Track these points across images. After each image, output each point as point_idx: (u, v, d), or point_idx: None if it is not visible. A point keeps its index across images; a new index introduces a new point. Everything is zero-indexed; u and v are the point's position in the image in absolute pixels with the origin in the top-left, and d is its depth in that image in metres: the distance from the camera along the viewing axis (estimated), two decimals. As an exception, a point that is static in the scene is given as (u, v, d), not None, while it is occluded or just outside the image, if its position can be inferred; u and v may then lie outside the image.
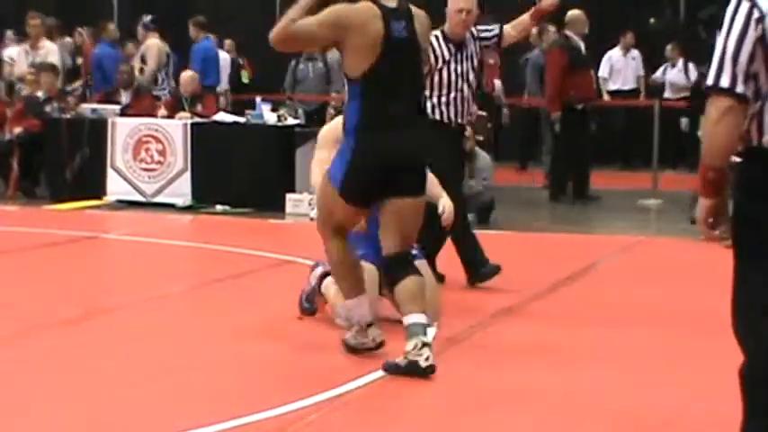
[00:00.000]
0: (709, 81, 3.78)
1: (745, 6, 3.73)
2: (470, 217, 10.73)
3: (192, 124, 12.35)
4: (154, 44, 14.83)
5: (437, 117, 7.66)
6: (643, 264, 9.22)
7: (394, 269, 5.73)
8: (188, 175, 12.22)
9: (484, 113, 13.43)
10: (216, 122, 12.47)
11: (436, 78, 7.68)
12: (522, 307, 7.24)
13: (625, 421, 4.90)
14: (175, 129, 12.35)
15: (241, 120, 12.50)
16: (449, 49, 7.76)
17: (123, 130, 12.54)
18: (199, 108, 12.92)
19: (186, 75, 13.29)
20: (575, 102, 12.53)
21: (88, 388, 5.35)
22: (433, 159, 6.06)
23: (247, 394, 5.27)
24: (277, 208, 11.55)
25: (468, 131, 11.16)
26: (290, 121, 12.28)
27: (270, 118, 12.22)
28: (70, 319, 6.76)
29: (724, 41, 3.75)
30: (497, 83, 14.04)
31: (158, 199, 12.29)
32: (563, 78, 12.48)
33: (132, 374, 5.60)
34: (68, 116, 12.93)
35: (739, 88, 3.74)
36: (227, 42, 17.58)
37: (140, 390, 5.33)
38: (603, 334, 6.59)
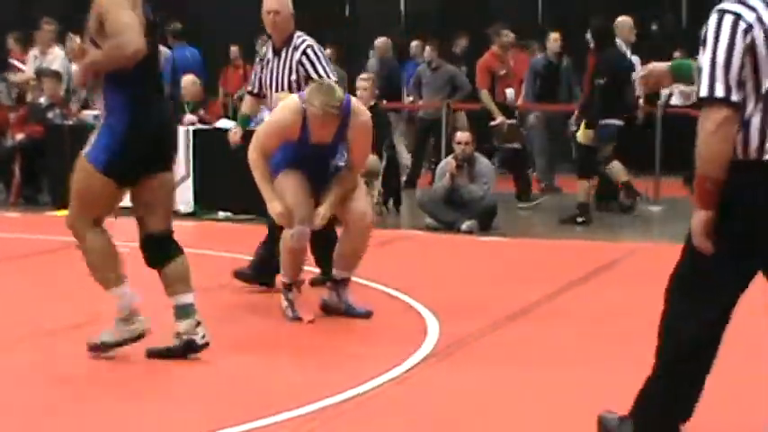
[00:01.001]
0: (703, 92, 3.87)
1: (729, 18, 3.85)
2: (471, 223, 10.77)
3: (194, 131, 12.34)
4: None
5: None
6: (644, 269, 9.21)
7: (165, 248, 5.97)
8: (190, 181, 12.21)
9: (514, 121, 13.44)
10: (218, 129, 12.46)
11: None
12: (526, 312, 7.23)
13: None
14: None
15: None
16: (271, 52, 7.82)
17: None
18: (201, 113, 12.91)
19: (187, 79, 13.27)
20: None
21: (92, 394, 5.34)
22: None
23: (252, 400, 5.26)
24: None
25: (465, 137, 11.17)
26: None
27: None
28: (74, 325, 6.76)
29: (713, 53, 3.85)
30: (509, 92, 14.03)
31: (160, 205, 12.26)
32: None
33: (135, 381, 5.60)
34: (71, 122, 12.94)
35: (734, 97, 3.84)
36: (233, 50, 17.56)
37: (138, 397, 5.33)
38: (607, 338, 6.58)
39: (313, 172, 6.89)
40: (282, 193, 6.82)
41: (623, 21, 12.80)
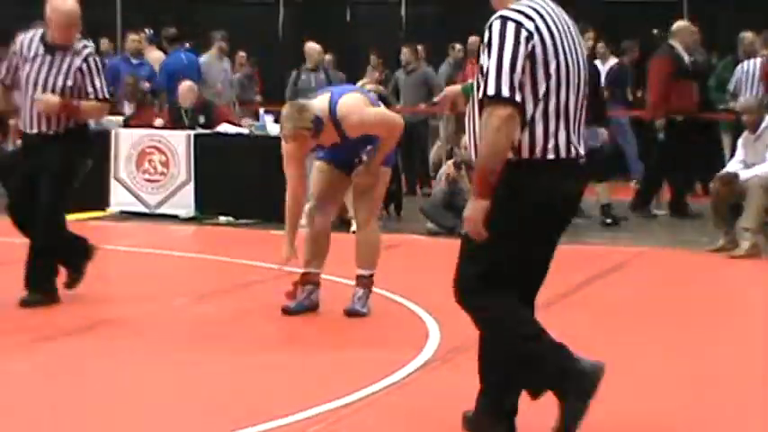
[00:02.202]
0: (490, 91, 4.23)
1: (512, 25, 4.24)
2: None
3: (196, 135, 12.36)
4: (156, 57, 14.86)
5: None
6: (650, 273, 9.22)
7: None
8: (191, 186, 12.23)
9: None
10: (219, 133, 12.47)
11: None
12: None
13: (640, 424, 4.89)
14: (178, 140, 12.37)
15: (244, 131, 12.51)
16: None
17: (126, 142, 12.56)
18: (201, 120, 12.90)
19: (184, 86, 13.25)
20: (676, 112, 12.29)
21: (98, 397, 5.36)
22: None
23: (252, 404, 5.27)
24: (281, 219, 11.52)
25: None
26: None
27: (273, 129, 12.21)
28: (75, 330, 6.77)
29: (498, 56, 4.22)
30: None
31: (161, 210, 12.29)
32: (666, 87, 12.30)
33: (140, 385, 5.61)
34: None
35: (518, 97, 4.22)
36: (240, 55, 17.56)
37: (145, 400, 5.34)
38: (615, 339, 6.58)
39: (341, 163, 7.28)
40: (313, 182, 7.34)
41: (682, 25, 12.90)
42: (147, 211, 12.33)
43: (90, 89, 7.36)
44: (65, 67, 7.30)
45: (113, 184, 12.52)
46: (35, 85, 7.28)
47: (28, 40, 7.35)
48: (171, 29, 15.27)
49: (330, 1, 20.10)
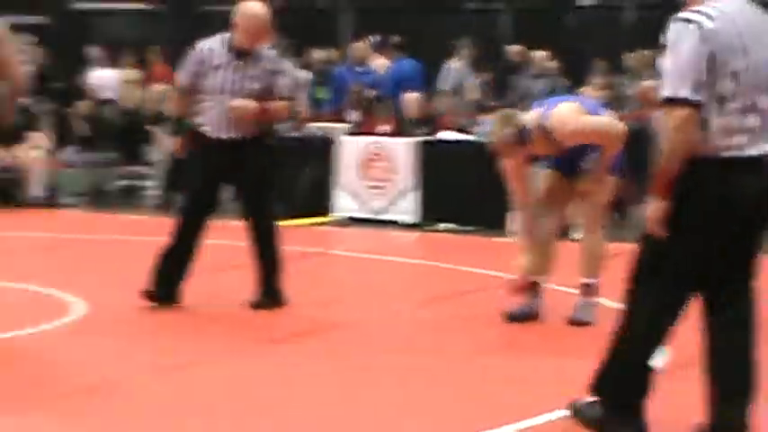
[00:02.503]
0: (668, 92, 4.27)
1: (690, 26, 4.26)
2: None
3: (419, 142, 12.44)
4: (381, 64, 15.03)
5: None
6: None
7: None
8: (414, 192, 12.30)
9: None
10: (441, 141, 12.53)
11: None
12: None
13: None
14: (402, 147, 12.46)
15: (468, 138, 12.52)
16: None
17: (351, 149, 12.74)
18: (424, 128, 12.97)
19: (409, 98, 13.35)
20: None
21: (322, 400, 5.42)
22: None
23: (480, 408, 5.25)
24: (502, 226, 11.49)
25: None
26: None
27: (496, 136, 12.15)
28: (298, 333, 6.89)
29: (676, 57, 4.26)
30: None
31: (384, 216, 12.42)
32: None
33: (360, 391, 5.66)
34: (298, 135, 13.23)
35: (696, 98, 4.24)
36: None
37: (368, 406, 5.38)
38: None
39: (565, 171, 7.24)
40: (538, 190, 7.32)
41: None
42: (370, 216, 12.48)
43: (278, 90, 7.47)
44: (254, 71, 7.39)
45: (337, 191, 12.72)
46: (226, 91, 7.35)
47: (208, 47, 7.43)
48: (396, 37, 15.44)
49: (555, 7, 19.94)
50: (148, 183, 14.23)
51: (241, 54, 7.38)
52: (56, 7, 21.81)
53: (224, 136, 7.39)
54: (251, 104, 7.34)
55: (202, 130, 7.43)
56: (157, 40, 18.60)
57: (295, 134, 13.24)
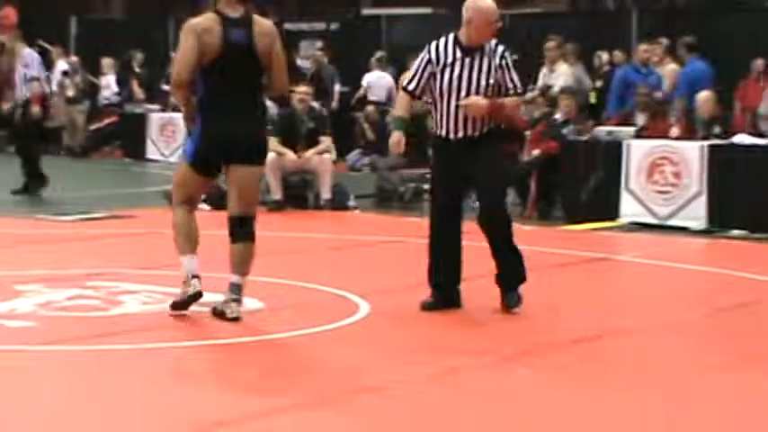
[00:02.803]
0: None
1: None
2: None
3: (709, 146, 12.04)
4: (671, 67, 14.72)
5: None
6: None
7: (233, 230, 6.96)
8: (703, 197, 11.92)
9: None
10: (734, 144, 12.10)
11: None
12: None
13: None
14: (691, 151, 12.09)
15: (761, 141, 12.04)
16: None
17: (638, 153, 12.46)
18: (716, 130, 12.57)
19: (701, 96, 12.96)
20: None
21: (602, 406, 5.32)
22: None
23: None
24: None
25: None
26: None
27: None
28: (580, 339, 6.78)
29: None
30: None
31: (671, 222, 12.08)
32: None
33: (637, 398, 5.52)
34: (585, 138, 13.08)
35: None
36: (758, 63, 16.94)
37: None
38: None
39: None
40: None
41: None
42: (656, 222, 12.17)
43: (510, 84, 7.37)
44: (485, 66, 7.32)
45: (624, 195, 12.47)
46: (458, 89, 7.31)
47: (435, 48, 7.39)
48: (688, 37, 15.06)
49: None
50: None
51: (468, 50, 7.35)
52: (345, 13, 22.42)
53: (456, 135, 7.36)
54: (481, 101, 7.29)
55: (438, 134, 7.44)
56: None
57: (582, 138, 13.09)
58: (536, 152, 13.47)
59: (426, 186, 14.14)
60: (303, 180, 13.90)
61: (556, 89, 15.09)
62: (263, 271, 7.56)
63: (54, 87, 22.39)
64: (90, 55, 22.81)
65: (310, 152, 13.58)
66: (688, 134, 12.64)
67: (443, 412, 5.26)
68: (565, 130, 13.42)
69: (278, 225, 11.46)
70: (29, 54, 14.65)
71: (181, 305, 7.05)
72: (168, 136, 20.05)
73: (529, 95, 14.74)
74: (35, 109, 14.33)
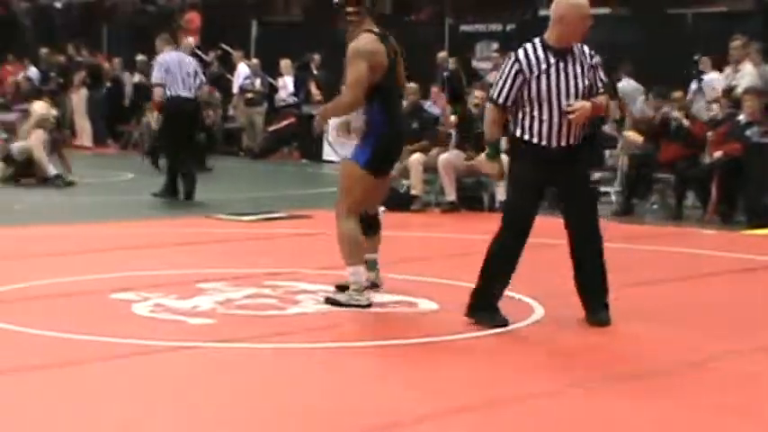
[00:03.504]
0: None
1: None
2: None
3: None
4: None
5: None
6: None
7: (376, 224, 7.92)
8: None
9: None
10: None
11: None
12: None
13: None
14: None
15: None
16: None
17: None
18: None
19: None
20: None
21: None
22: None
23: None
24: None
25: None
26: None
27: None
28: (736, 350, 6.57)
29: None
30: None
31: None
32: None
33: None
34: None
35: None
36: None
37: None
38: None
39: None
40: None
41: None
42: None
43: (600, 84, 7.06)
44: (578, 68, 6.95)
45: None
46: (557, 95, 6.89)
47: (528, 54, 6.95)
48: None
49: None
50: (610, 188, 14.20)
51: (560, 53, 6.95)
52: (522, 14, 22.28)
53: (559, 144, 6.96)
54: (585, 104, 6.92)
55: (531, 142, 6.98)
56: (623, 44, 18.54)
57: (766, 140, 12.73)
58: (718, 154, 13.15)
59: (602, 189, 13.98)
60: (478, 182, 13.88)
61: (740, 90, 14.69)
62: (438, 272, 7.56)
63: (235, 90, 22.95)
64: (269, 57, 23.24)
65: (483, 155, 13.54)
66: None
67: (616, 419, 5.16)
68: (748, 132, 13.06)
69: (451, 227, 11.46)
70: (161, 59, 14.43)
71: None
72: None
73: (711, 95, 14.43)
74: (153, 114, 14.44)
